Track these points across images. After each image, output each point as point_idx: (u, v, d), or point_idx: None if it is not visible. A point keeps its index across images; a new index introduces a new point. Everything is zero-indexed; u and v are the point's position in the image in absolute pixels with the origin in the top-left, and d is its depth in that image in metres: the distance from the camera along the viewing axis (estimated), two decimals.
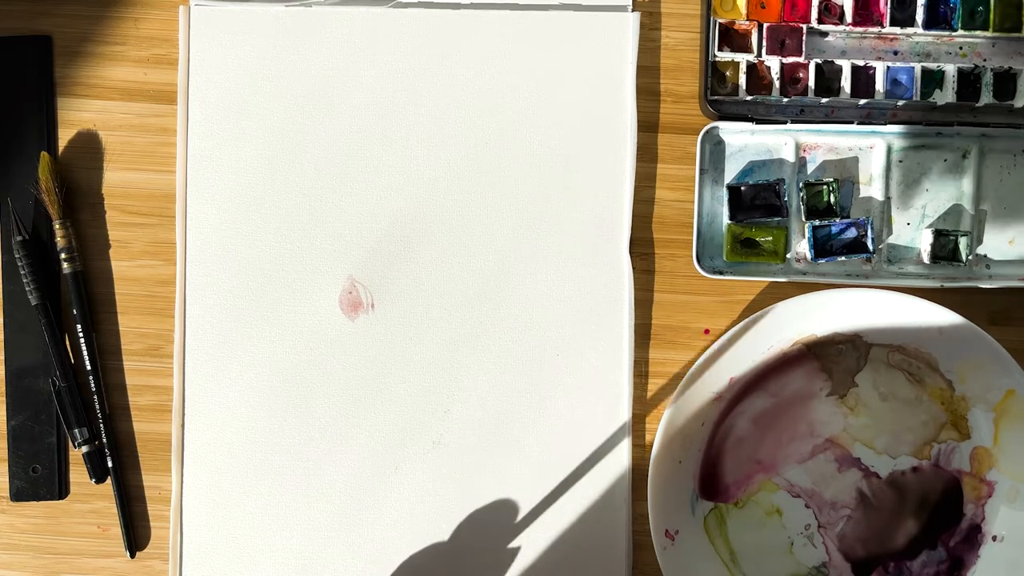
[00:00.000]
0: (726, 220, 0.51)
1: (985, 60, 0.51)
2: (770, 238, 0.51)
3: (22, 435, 0.51)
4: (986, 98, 0.50)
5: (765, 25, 0.50)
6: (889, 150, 0.51)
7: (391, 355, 0.51)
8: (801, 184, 0.51)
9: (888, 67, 0.50)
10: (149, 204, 0.52)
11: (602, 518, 0.51)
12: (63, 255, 0.51)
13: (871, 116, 0.51)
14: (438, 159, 0.51)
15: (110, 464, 0.51)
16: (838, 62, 0.50)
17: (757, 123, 0.50)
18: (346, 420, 0.51)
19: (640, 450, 0.51)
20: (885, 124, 0.51)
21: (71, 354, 0.52)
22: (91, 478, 0.51)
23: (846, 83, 0.50)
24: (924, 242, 0.51)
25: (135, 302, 0.52)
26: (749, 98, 0.50)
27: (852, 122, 0.51)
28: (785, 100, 0.51)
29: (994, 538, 0.51)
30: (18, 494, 0.52)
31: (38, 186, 0.50)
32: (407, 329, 0.51)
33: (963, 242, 0.50)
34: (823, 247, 0.51)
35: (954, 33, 0.50)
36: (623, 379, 0.51)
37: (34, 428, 0.51)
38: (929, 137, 0.51)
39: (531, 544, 0.51)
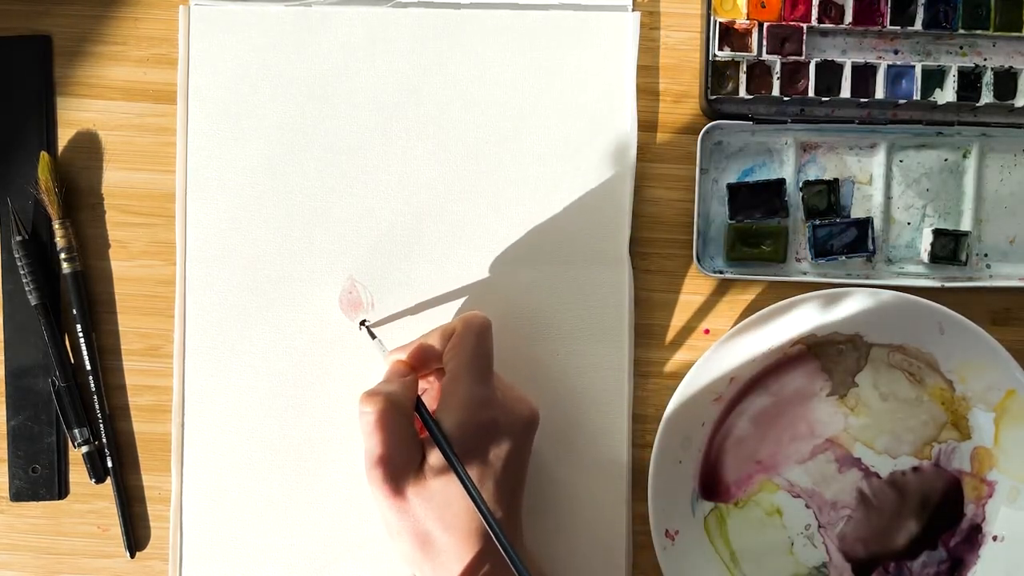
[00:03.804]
0: (726, 220, 0.51)
1: (985, 59, 0.51)
2: (770, 238, 0.51)
3: (22, 435, 0.51)
4: (987, 97, 0.50)
5: (765, 25, 0.50)
6: (889, 150, 0.51)
7: None
8: (801, 184, 0.51)
9: (888, 67, 0.50)
10: (149, 204, 0.52)
11: (602, 518, 0.51)
12: (63, 255, 0.51)
13: (871, 116, 0.51)
14: (438, 158, 0.51)
15: (110, 464, 0.51)
16: (838, 62, 0.50)
17: (757, 123, 0.50)
18: (346, 420, 0.51)
19: (640, 450, 0.51)
20: (885, 124, 0.51)
21: (71, 354, 0.52)
22: (91, 478, 0.51)
23: (846, 83, 0.50)
24: (924, 242, 0.51)
25: (135, 302, 0.52)
26: (749, 98, 0.50)
27: (852, 122, 0.51)
28: (785, 100, 0.51)
29: (994, 538, 0.51)
30: (18, 494, 0.52)
31: (38, 186, 0.50)
32: (407, 329, 0.51)
33: (963, 242, 0.50)
34: (823, 247, 0.51)
35: (954, 32, 0.50)
36: (623, 379, 0.51)
37: (34, 428, 0.51)
38: (929, 136, 0.51)
39: (532, 544, 0.51)
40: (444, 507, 0.43)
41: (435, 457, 0.43)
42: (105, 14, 0.52)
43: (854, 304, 0.49)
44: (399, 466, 0.43)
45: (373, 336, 0.49)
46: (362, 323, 0.51)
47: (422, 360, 0.46)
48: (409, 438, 0.44)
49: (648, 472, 0.50)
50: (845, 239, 0.51)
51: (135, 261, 0.52)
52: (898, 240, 0.52)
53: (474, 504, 0.43)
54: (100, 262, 0.52)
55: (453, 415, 0.44)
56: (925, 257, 0.51)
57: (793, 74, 0.50)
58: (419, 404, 0.45)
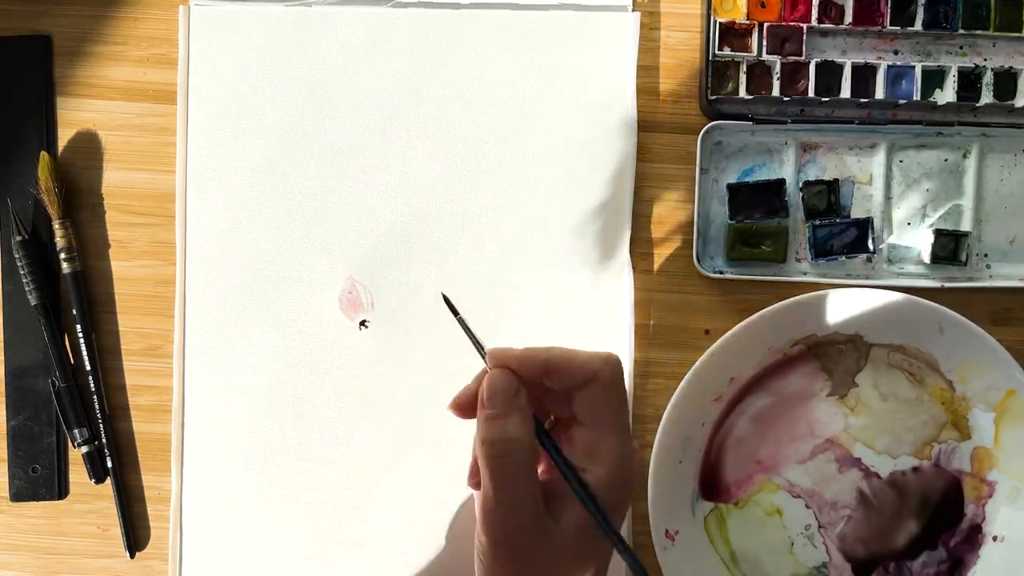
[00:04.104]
0: (726, 220, 0.51)
1: (985, 60, 0.51)
2: (770, 238, 0.51)
3: (22, 435, 0.51)
4: (986, 98, 0.50)
5: (765, 25, 0.50)
6: (889, 150, 0.51)
7: (391, 355, 0.51)
8: (801, 184, 0.51)
9: (888, 67, 0.50)
10: (149, 204, 0.52)
11: None
12: (63, 255, 0.51)
13: (871, 116, 0.51)
14: (438, 159, 0.51)
15: (110, 464, 0.51)
16: (838, 62, 0.50)
17: (757, 123, 0.50)
18: (346, 420, 0.51)
19: (640, 450, 0.51)
20: (885, 124, 0.51)
21: (71, 354, 0.52)
22: (91, 478, 0.51)
23: (846, 83, 0.50)
24: (924, 242, 0.51)
25: (135, 302, 0.52)
26: (749, 98, 0.50)
27: (852, 122, 0.51)
28: (785, 100, 0.51)
29: (994, 538, 0.51)
30: (18, 494, 0.52)
31: (38, 186, 0.50)
32: (407, 329, 0.51)
33: (963, 242, 0.50)
34: (823, 247, 0.51)
35: (954, 32, 0.50)
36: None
37: (34, 428, 0.51)
38: (929, 137, 0.51)
39: None
40: (575, 559, 0.40)
41: (568, 506, 0.40)
42: (105, 14, 0.52)
43: (854, 304, 0.49)
44: (518, 517, 0.39)
45: (466, 328, 0.43)
46: (362, 323, 0.50)
47: (538, 377, 0.41)
48: (530, 482, 0.39)
49: (648, 472, 0.50)
50: (845, 239, 0.51)
51: (135, 261, 0.52)
52: (898, 240, 0.52)
53: (627, 560, 0.39)
54: (100, 262, 0.52)
55: (602, 470, 0.40)
56: (925, 257, 0.51)
57: (793, 74, 0.50)
58: (550, 443, 0.40)
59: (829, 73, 0.50)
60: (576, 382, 0.41)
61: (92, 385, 0.51)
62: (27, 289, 0.51)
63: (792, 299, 0.49)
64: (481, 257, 0.51)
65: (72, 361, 0.51)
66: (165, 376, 0.52)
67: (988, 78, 0.50)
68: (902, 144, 0.51)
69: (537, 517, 0.39)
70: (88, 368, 0.51)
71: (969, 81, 0.50)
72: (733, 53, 0.50)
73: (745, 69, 0.50)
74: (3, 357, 0.52)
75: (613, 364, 0.41)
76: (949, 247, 0.51)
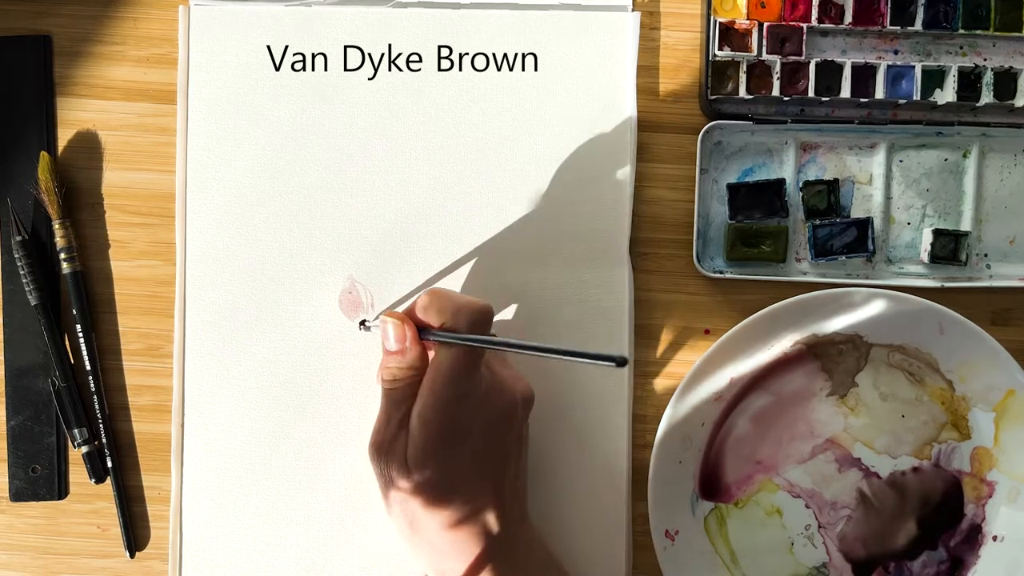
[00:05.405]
0: (726, 220, 0.51)
1: (985, 59, 0.51)
2: (770, 238, 0.51)
3: (22, 435, 0.51)
4: (986, 97, 0.50)
5: (765, 25, 0.50)
6: (889, 150, 0.51)
7: None
8: (801, 184, 0.51)
9: (888, 67, 0.50)
10: (149, 204, 0.52)
11: (602, 518, 0.51)
12: (63, 255, 0.51)
13: (871, 116, 0.51)
14: (438, 159, 0.51)
15: (110, 464, 0.51)
16: (838, 62, 0.50)
17: (757, 123, 0.50)
18: (346, 420, 0.51)
19: (640, 450, 0.51)
20: (885, 124, 0.51)
21: (71, 354, 0.52)
22: (91, 478, 0.51)
23: (846, 83, 0.50)
24: (924, 242, 0.51)
25: (135, 302, 0.52)
26: (749, 98, 0.50)
27: (852, 122, 0.51)
28: (785, 100, 0.51)
29: (994, 538, 0.51)
30: (18, 494, 0.52)
31: (38, 186, 0.50)
32: None
33: (963, 242, 0.50)
34: (823, 247, 0.51)
35: (954, 32, 0.50)
36: (623, 379, 0.51)
37: (34, 428, 0.51)
38: (929, 136, 0.51)
39: None
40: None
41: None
42: (105, 14, 0.52)
43: (854, 304, 0.49)
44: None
45: (365, 325, 0.51)
46: (362, 323, 0.51)
47: (419, 318, 0.47)
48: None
49: (648, 472, 0.50)
50: (845, 239, 0.51)
51: (135, 261, 0.52)
52: (898, 240, 0.52)
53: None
54: (100, 262, 0.52)
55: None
56: (925, 257, 0.51)
57: (793, 74, 0.50)
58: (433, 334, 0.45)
59: (829, 73, 0.50)
60: (443, 319, 0.45)
61: (92, 385, 0.51)
62: (27, 289, 0.51)
63: (792, 299, 0.49)
64: (481, 257, 0.51)
65: (72, 361, 0.51)
66: (165, 376, 0.52)
67: (988, 78, 0.50)
68: (902, 144, 0.51)
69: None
70: (88, 368, 0.51)
71: (969, 81, 0.50)
72: (733, 53, 0.50)
73: (745, 69, 0.50)
74: (3, 357, 0.52)
75: (482, 309, 0.45)
76: (949, 247, 0.51)
